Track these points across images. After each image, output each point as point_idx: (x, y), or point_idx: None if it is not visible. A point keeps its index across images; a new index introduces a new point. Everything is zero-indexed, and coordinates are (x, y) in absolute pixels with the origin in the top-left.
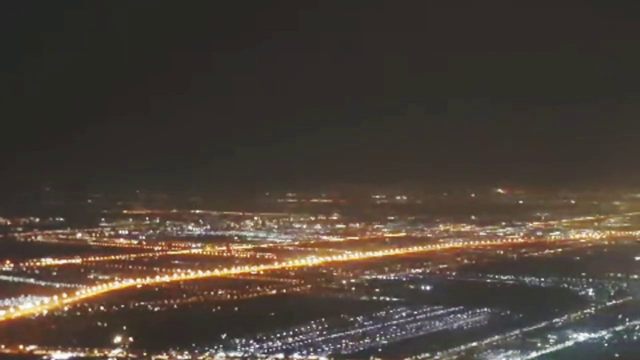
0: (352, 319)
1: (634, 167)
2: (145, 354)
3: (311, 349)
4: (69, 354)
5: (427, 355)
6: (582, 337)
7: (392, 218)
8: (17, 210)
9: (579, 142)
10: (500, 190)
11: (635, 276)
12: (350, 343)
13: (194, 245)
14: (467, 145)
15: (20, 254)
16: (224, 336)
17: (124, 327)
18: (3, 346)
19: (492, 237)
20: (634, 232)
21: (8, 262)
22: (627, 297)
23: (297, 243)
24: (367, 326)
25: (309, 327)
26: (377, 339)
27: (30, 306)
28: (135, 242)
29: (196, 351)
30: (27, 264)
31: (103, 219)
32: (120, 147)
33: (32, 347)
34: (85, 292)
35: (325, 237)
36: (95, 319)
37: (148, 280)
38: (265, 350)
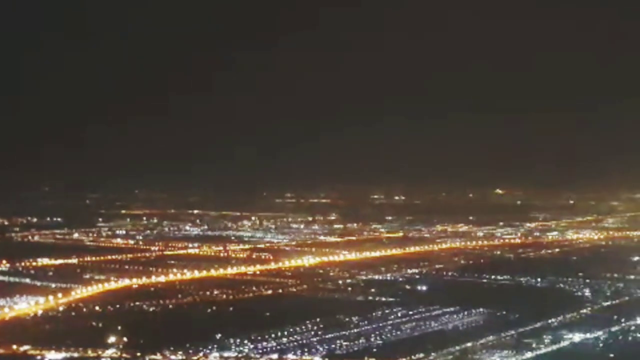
0: (347, 319)
1: (633, 167)
2: (139, 354)
3: (305, 349)
4: (62, 354)
5: (422, 355)
6: (577, 337)
7: (390, 218)
8: (14, 210)
9: (578, 142)
10: (498, 191)
11: (632, 276)
12: (345, 343)
13: (190, 245)
14: (467, 145)
15: (17, 254)
16: (218, 336)
17: (119, 327)
18: None
19: (490, 238)
20: (631, 232)
21: (4, 262)
22: (624, 298)
23: (294, 243)
24: (362, 326)
25: (304, 327)
26: (372, 339)
27: (25, 306)
28: (132, 242)
29: (190, 351)
30: (23, 263)
31: (101, 219)
32: (120, 148)
33: (25, 347)
34: (80, 292)
35: (322, 237)
36: (90, 319)
37: (144, 280)
38: (260, 351)
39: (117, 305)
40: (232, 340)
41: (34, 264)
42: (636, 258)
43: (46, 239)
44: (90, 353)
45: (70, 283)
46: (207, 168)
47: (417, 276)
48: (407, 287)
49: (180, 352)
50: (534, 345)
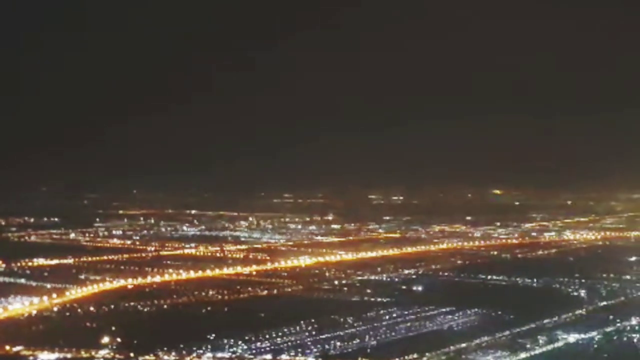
0: (342, 320)
1: (631, 167)
2: (132, 354)
3: (299, 350)
4: (55, 355)
5: (416, 356)
6: (572, 337)
7: (387, 218)
8: (12, 210)
9: (576, 143)
10: (496, 191)
11: (628, 277)
12: (339, 344)
13: (187, 246)
14: (466, 146)
15: (13, 254)
16: (212, 337)
17: (113, 328)
18: None
19: (487, 238)
20: (628, 232)
21: None
22: (619, 298)
23: (290, 243)
24: (357, 327)
25: (298, 327)
26: (366, 340)
27: (20, 306)
28: (128, 242)
29: (183, 352)
30: (18, 264)
31: (98, 219)
32: (119, 148)
33: (18, 347)
34: (75, 293)
35: (319, 238)
36: (84, 320)
37: (139, 281)
38: (253, 351)
39: (112, 306)
40: (225, 341)
41: (29, 264)
42: (633, 258)
43: (43, 239)
44: (83, 353)
45: (65, 283)
46: (206, 168)
47: (413, 276)
48: (403, 287)
49: (173, 353)
50: (528, 346)
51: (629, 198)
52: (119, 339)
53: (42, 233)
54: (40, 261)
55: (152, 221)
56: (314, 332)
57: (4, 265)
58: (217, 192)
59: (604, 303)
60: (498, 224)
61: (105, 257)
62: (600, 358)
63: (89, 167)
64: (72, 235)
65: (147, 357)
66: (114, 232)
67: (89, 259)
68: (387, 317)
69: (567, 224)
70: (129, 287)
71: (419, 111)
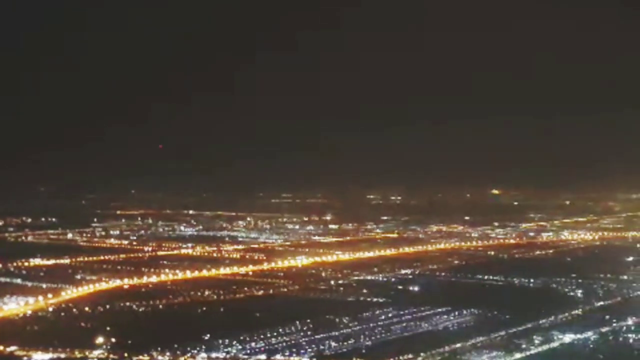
0: (337, 320)
1: (630, 168)
2: (126, 354)
3: (294, 350)
4: (49, 355)
5: (410, 356)
6: (567, 338)
7: (385, 218)
8: (10, 210)
9: (576, 143)
10: (495, 191)
11: (625, 277)
12: (334, 344)
13: (184, 246)
14: (465, 146)
15: (9, 254)
16: (207, 337)
17: (108, 328)
18: None
19: (484, 238)
20: (626, 232)
21: None
22: (616, 298)
23: (288, 243)
24: (352, 327)
25: (293, 327)
26: (361, 340)
27: (15, 306)
28: (125, 242)
29: (178, 352)
30: (15, 264)
31: (95, 219)
32: (118, 148)
33: (12, 347)
34: (71, 293)
35: (317, 238)
36: (79, 320)
37: (135, 281)
38: (248, 351)
39: (107, 306)
40: (220, 341)
41: (25, 264)
42: (630, 258)
43: (40, 239)
44: (77, 354)
45: (61, 283)
46: (206, 168)
47: (410, 277)
48: (399, 287)
49: (168, 353)
50: (523, 346)
51: (627, 198)
52: (113, 339)
53: (40, 233)
54: (37, 261)
55: (150, 221)
56: (309, 332)
57: (0, 265)
58: (216, 193)
59: (601, 303)
60: (496, 224)
61: (101, 257)
62: (596, 358)
63: (88, 167)
64: (70, 236)
65: (141, 357)
66: (111, 232)
67: (86, 259)
68: (382, 317)
69: (565, 224)
70: (125, 287)
71: (418, 111)
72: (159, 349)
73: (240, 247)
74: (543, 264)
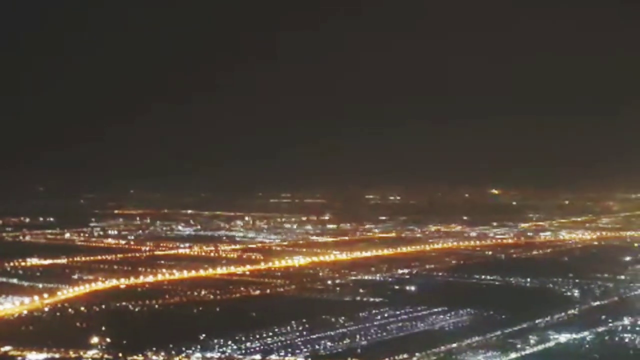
0: (333, 320)
1: (629, 168)
2: (120, 354)
3: (289, 350)
4: (44, 355)
5: (406, 356)
6: (563, 337)
7: (383, 218)
8: (8, 210)
9: (575, 143)
10: (494, 191)
11: (622, 277)
12: (329, 344)
13: (181, 246)
14: (465, 146)
15: (6, 254)
16: (202, 337)
17: (103, 328)
18: None
19: (482, 238)
20: (624, 232)
21: None
22: (612, 298)
23: (285, 243)
24: (348, 327)
25: (289, 327)
26: (357, 340)
27: (10, 306)
28: (123, 242)
29: (173, 352)
30: (11, 263)
31: (93, 219)
32: (117, 148)
33: (7, 347)
34: (67, 293)
35: (314, 237)
36: (75, 320)
37: (132, 281)
38: (243, 351)
39: (103, 306)
40: (215, 341)
41: (22, 264)
42: (627, 258)
43: (37, 239)
44: (72, 354)
45: (57, 283)
46: (205, 168)
47: (407, 276)
48: (396, 287)
49: (162, 353)
50: (519, 346)
51: (626, 198)
52: (108, 339)
53: (37, 233)
54: (34, 261)
55: (148, 221)
56: (304, 332)
57: None
58: (215, 192)
59: (597, 303)
60: (494, 223)
61: (99, 257)
62: (591, 358)
63: (87, 166)
64: (67, 235)
65: (135, 357)
66: (109, 232)
67: (83, 258)
68: (378, 317)
69: (563, 223)
70: (122, 287)
71: (418, 111)
72: (154, 349)
73: (237, 246)
74: (540, 264)
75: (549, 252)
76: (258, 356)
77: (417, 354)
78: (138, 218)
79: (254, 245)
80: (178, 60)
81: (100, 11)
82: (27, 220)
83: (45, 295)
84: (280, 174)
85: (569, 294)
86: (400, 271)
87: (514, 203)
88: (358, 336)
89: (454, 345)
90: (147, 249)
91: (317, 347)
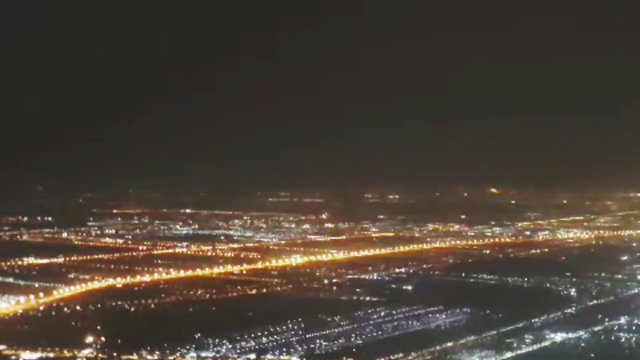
0: (329, 319)
1: (628, 167)
2: (115, 354)
3: (284, 349)
4: (38, 354)
5: (401, 355)
6: (559, 337)
7: (381, 217)
8: (6, 209)
9: (574, 142)
10: (493, 190)
11: (619, 276)
12: (325, 343)
13: (179, 245)
14: (464, 145)
15: (3, 253)
16: (197, 336)
17: (98, 327)
18: None
19: (480, 237)
20: (622, 231)
21: None
22: (609, 297)
23: (283, 242)
24: (344, 326)
25: (284, 327)
26: (352, 339)
27: (5, 306)
28: (120, 241)
29: (167, 351)
30: (8, 263)
31: (92, 218)
32: (116, 148)
33: (1, 347)
34: (63, 292)
35: (312, 237)
36: (70, 319)
37: (128, 280)
38: (238, 350)
39: (99, 305)
40: (210, 340)
41: (19, 263)
42: (625, 257)
43: (34, 238)
44: (66, 353)
45: (53, 282)
46: (204, 168)
47: (404, 276)
48: (393, 286)
49: (157, 352)
50: (514, 345)
51: (624, 197)
52: (103, 339)
53: (35, 232)
54: (30, 260)
55: (146, 220)
56: (300, 332)
57: None
58: (214, 192)
59: (594, 302)
60: (493, 223)
61: (96, 256)
62: (587, 357)
63: (87, 166)
64: (65, 234)
65: (130, 356)
66: (107, 231)
67: (80, 258)
68: (374, 316)
69: (562, 223)
70: (118, 286)
71: (417, 111)
72: (149, 348)
73: (235, 246)
74: (538, 263)
75: (547, 252)
76: (252, 355)
77: (412, 353)
78: (136, 217)
79: (251, 245)
80: (178, 58)
81: (100, 11)
82: (25, 219)
83: (41, 295)
84: (279, 174)
85: (565, 293)
86: (397, 270)
87: (513, 202)
88: (353, 335)
89: (450, 344)
90: (145, 248)
91: (312, 346)
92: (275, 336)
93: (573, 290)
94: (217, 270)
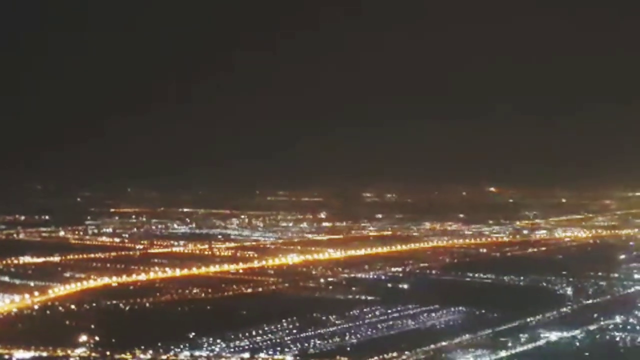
0: (324, 318)
1: (626, 166)
2: (108, 353)
3: (278, 348)
4: (32, 353)
5: (395, 354)
6: (554, 336)
7: (380, 216)
8: (4, 208)
9: (573, 141)
10: (492, 189)
11: (616, 275)
12: (319, 342)
13: (176, 244)
14: (463, 144)
15: None
16: (191, 335)
17: (92, 326)
18: None
19: (478, 236)
20: (620, 230)
21: None
22: (605, 296)
23: (280, 241)
24: (338, 325)
25: (279, 325)
26: (347, 338)
27: (0, 304)
28: (117, 240)
29: (161, 350)
30: (4, 261)
31: (89, 217)
32: (116, 147)
33: None
34: (58, 291)
35: (309, 236)
36: (64, 318)
37: (124, 279)
38: (232, 349)
39: (94, 304)
40: (205, 339)
41: (15, 262)
42: (622, 256)
43: (31, 237)
44: (59, 352)
45: (49, 281)
46: (203, 167)
47: (400, 275)
48: (389, 285)
49: (150, 351)
50: (509, 344)
51: (622, 196)
52: (97, 338)
53: (32, 231)
54: (26, 259)
55: (144, 219)
56: (294, 331)
57: None
58: (212, 191)
59: (590, 301)
60: (491, 222)
61: (92, 255)
62: (581, 356)
63: (86, 165)
64: (62, 233)
65: (123, 355)
66: (104, 230)
67: (76, 256)
68: (370, 315)
69: (560, 222)
70: (113, 285)
71: (416, 110)
72: (142, 347)
73: (232, 244)
74: (535, 262)
75: (544, 251)
76: (246, 354)
77: (406, 352)
78: (134, 216)
79: (248, 244)
80: (178, 58)
81: (100, 11)
82: (22, 218)
83: (36, 293)
84: (278, 173)
85: (561, 292)
86: (393, 269)
87: (511, 201)
88: (348, 334)
89: (444, 343)
90: (141, 247)
91: (306, 345)
92: (270, 335)
93: (569, 289)
94: (213, 269)
